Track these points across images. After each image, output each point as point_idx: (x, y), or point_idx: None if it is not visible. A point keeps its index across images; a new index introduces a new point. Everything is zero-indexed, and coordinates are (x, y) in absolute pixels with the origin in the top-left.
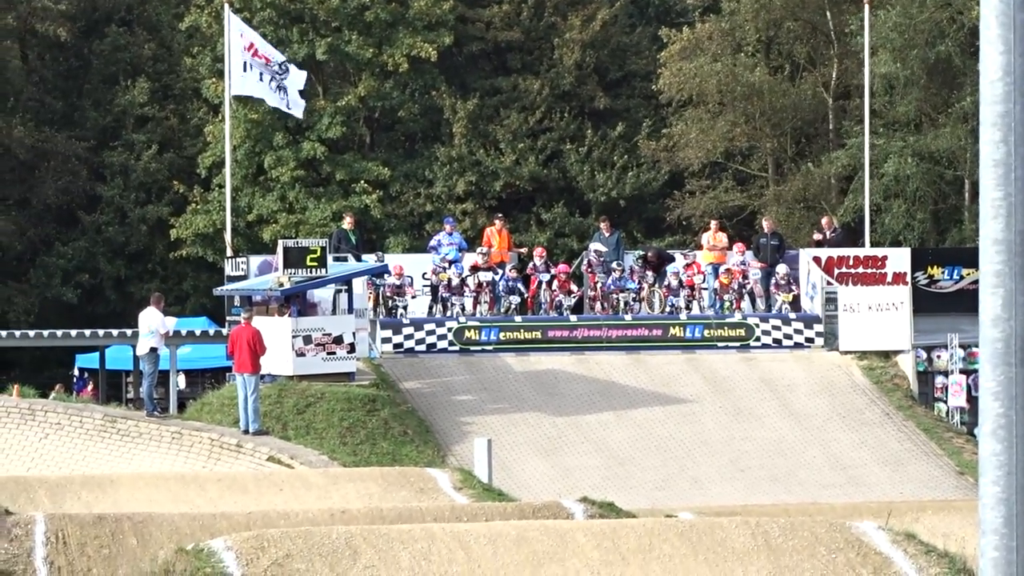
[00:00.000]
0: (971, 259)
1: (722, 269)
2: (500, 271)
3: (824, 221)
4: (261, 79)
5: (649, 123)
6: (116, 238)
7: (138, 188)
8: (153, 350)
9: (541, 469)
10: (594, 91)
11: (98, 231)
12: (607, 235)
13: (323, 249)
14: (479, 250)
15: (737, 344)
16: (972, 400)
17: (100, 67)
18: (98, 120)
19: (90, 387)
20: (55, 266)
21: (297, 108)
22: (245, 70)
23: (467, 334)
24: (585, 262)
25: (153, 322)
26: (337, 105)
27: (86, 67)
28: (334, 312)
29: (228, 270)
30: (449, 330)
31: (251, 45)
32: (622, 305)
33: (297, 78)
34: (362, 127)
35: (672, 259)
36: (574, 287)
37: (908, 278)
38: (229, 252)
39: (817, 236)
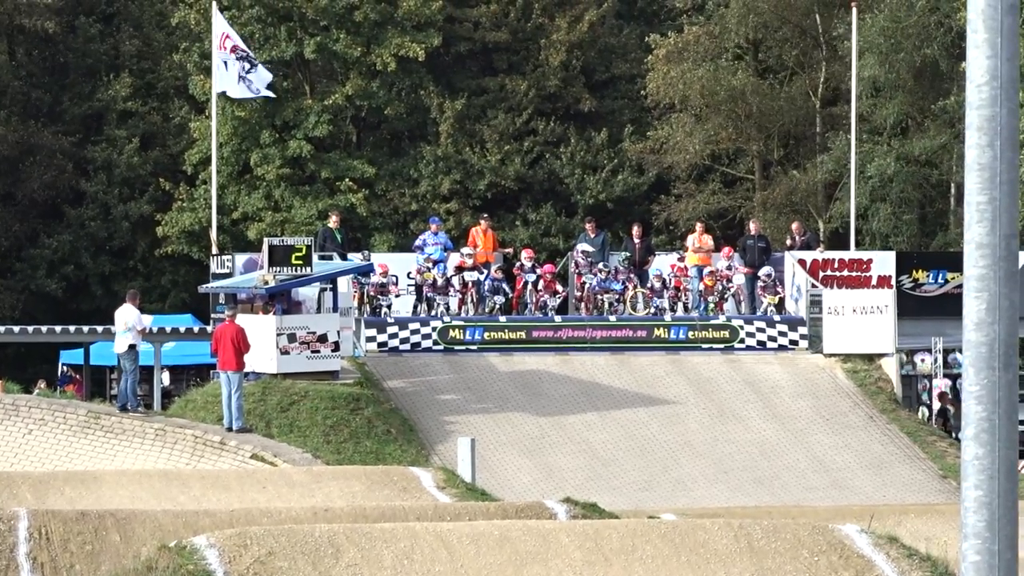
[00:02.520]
0: (956, 263)
1: (706, 271)
2: (485, 271)
3: (795, 227)
4: (228, 69)
5: (633, 127)
6: (99, 234)
7: (121, 184)
8: (132, 347)
9: (524, 469)
10: (580, 93)
11: (82, 226)
12: (592, 236)
13: (308, 247)
14: (464, 251)
15: (721, 346)
16: (955, 403)
17: (77, 60)
18: (80, 114)
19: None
20: (39, 258)
21: (263, 90)
22: (227, 68)
23: (451, 333)
24: (572, 263)
25: (130, 318)
26: (324, 104)
27: (70, 62)
28: (319, 310)
29: (213, 268)
30: (434, 329)
31: (225, 37)
32: (606, 306)
33: (263, 77)
34: (348, 126)
35: (655, 253)
36: (560, 287)
37: (893, 281)
38: (214, 249)
39: (788, 242)
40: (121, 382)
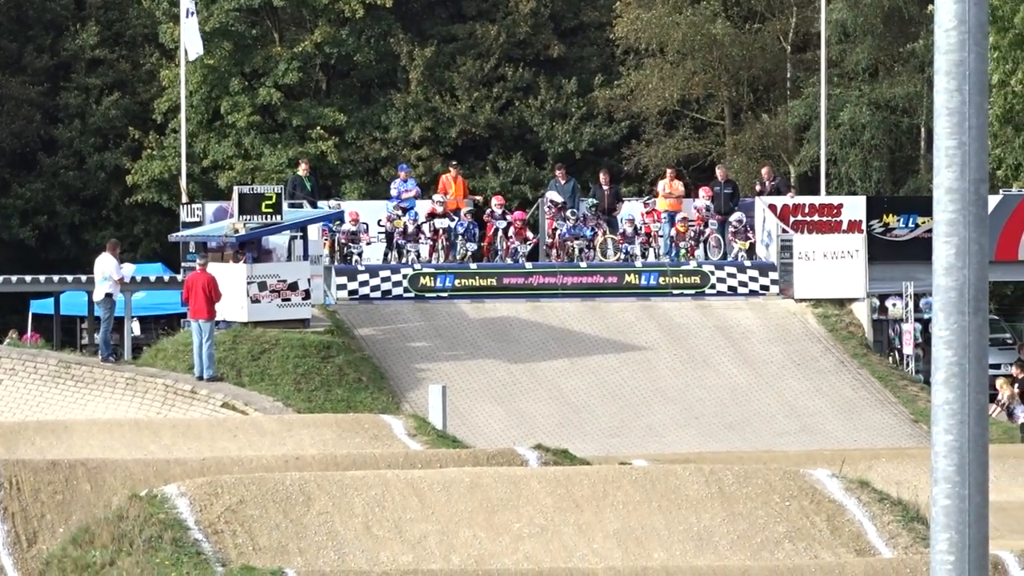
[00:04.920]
0: (926, 207)
1: (679, 217)
2: (456, 218)
3: (764, 171)
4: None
5: (603, 76)
6: (73, 183)
7: (95, 133)
8: (108, 296)
9: (495, 416)
10: (549, 40)
11: (55, 175)
12: (563, 183)
13: (278, 195)
14: (435, 197)
15: (692, 292)
16: (926, 348)
17: (38, 15)
18: (46, 64)
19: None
20: (12, 207)
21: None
22: (187, 16)
23: (422, 281)
24: (543, 209)
25: (108, 268)
26: (293, 51)
27: (36, 11)
28: (289, 258)
29: (183, 216)
30: (404, 277)
31: None
32: (577, 252)
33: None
34: (318, 73)
35: (622, 199)
36: (530, 234)
37: (863, 226)
38: (184, 198)
39: (758, 187)
40: (101, 332)
